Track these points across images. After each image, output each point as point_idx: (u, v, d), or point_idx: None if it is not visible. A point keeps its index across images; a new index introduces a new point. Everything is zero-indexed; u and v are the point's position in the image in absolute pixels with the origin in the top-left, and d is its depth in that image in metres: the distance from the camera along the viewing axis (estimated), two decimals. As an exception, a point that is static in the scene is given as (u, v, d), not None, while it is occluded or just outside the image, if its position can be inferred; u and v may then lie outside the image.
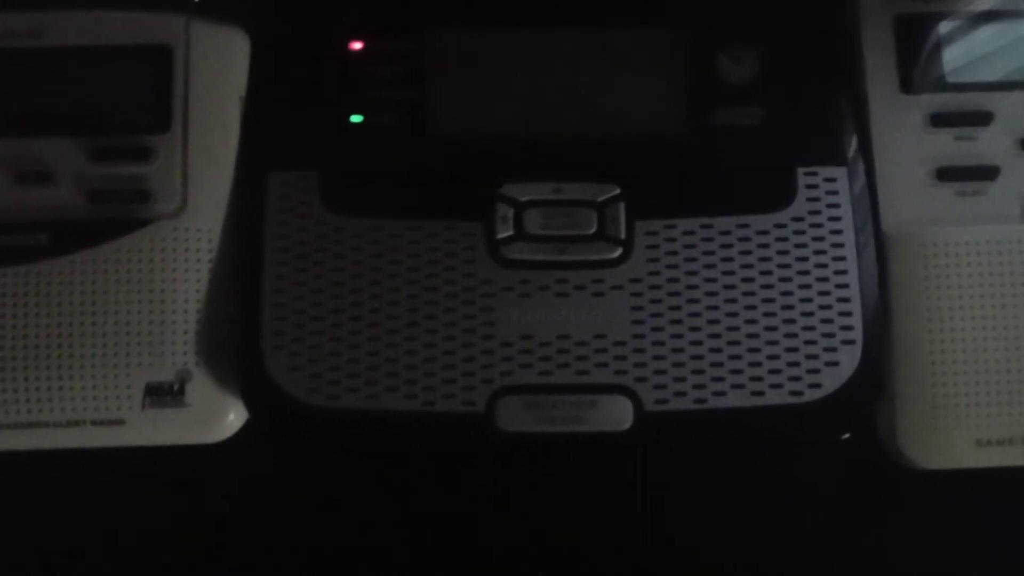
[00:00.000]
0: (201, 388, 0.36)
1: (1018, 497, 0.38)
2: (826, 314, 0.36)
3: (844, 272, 0.36)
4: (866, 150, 0.38)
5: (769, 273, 0.36)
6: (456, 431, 0.35)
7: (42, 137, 0.37)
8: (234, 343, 0.36)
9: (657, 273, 0.36)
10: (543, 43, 0.38)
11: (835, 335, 0.35)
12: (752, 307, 0.36)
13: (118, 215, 0.36)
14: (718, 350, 0.35)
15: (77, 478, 0.38)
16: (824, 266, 0.36)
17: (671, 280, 0.36)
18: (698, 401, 0.35)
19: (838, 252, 0.36)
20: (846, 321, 0.35)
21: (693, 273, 0.36)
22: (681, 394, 0.35)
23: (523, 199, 0.37)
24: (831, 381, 0.35)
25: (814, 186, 0.37)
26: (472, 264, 0.36)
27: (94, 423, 0.35)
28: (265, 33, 0.39)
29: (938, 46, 0.38)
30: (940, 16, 0.38)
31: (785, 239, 0.36)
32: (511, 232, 0.36)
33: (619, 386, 0.35)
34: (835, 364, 0.35)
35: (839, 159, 0.37)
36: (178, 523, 0.38)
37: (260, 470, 0.39)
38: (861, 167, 0.37)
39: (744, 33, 0.38)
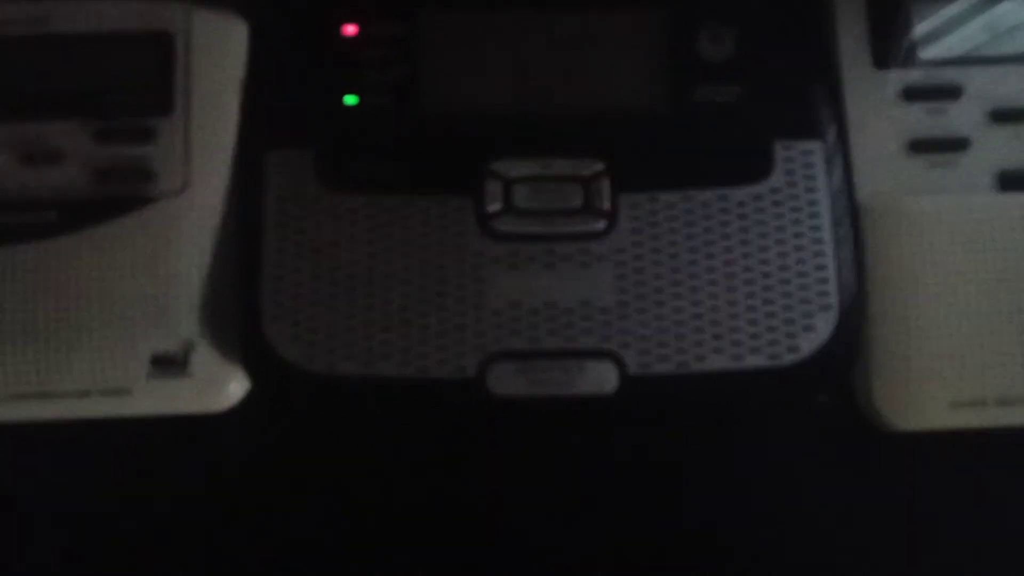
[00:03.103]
0: (205, 358, 0.37)
1: (992, 458, 0.39)
2: (803, 281, 0.37)
3: (820, 241, 0.37)
4: (840, 124, 0.39)
5: (748, 242, 0.37)
6: (449, 395, 0.36)
7: (50, 120, 0.38)
8: (236, 314, 0.37)
9: (641, 244, 0.37)
10: (530, 24, 0.40)
11: (812, 301, 0.37)
12: (732, 275, 0.37)
13: (123, 194, 0.38)
14: (699, 316, 0.36)
15: (84, 448, 0.39)
16: (801, 235, 0.37)
17: (654, 250, 0.37)
18: (680, 365, 0.36)
19: (814, 222, 0.37)
20: (822, 287, 0.37)
21: (675, 243, 0.37)
22: (664, 358, 0.36)
23: (512, 175, 0.38)
24: (808, 345, 0.36)
25: (791, 159, 0.38)
26: (463, 237, 0.37)
27: (102, 393, 0.37)
28: (263, 19, 0.40)
29: (909, 22, 0.40)
30: (911, -7, 0.40)
31: (763, 210, 0.38)
32: (500, 206, 0.38)
33: (604, 351, 0.36)
34: (812, 329, 0.36)
35: (814, 133, 0.38)
36: (181, 491, 0.40)
37: (262, 439, 0.40)
38: (836, 140, 0.39)
39: (722, 12, 0.39)
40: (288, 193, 0.38)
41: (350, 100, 0.39)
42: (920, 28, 0.40)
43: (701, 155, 0.38)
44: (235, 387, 0.38)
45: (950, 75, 0.39)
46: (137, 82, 0.39)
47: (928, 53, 0.40)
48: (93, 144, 0.38)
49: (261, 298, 0.37)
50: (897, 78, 0.39)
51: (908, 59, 0.39)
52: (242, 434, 0.39)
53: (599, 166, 0.38)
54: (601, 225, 0.37)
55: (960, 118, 0.39)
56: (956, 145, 0.39)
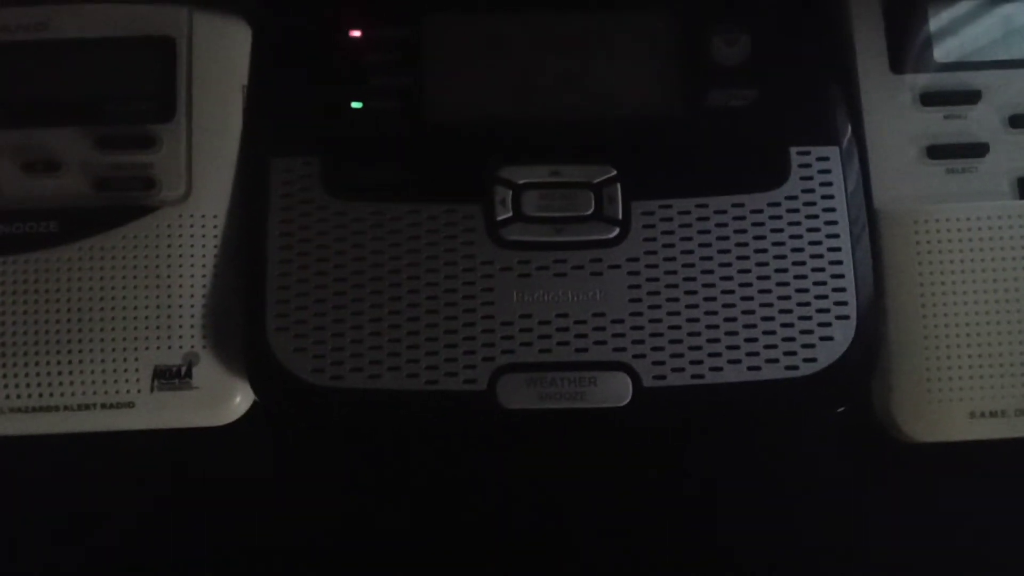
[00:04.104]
0: (208, 371, 0.36)
1: (1011, 469, 0.38)
2: (820, 290, 0.36)
3: (837, 249, 0.37)
4: (857, 129, 0.38)
5: (764, 251, 0.36)
6: (458, 409, 0.35)
7: (49, 127, 0.38)
8: (240, 326, 0.37)
9: (654, 252, 0.36)
10: (539, 28, 0.39)
11: (829, 310, 0.36)
12: (747, 284, 0.36)
13: (124, 202, 0.37)
14: (715, 326, 0.36)
15: (87, 462, 0.38)
16: (818, 243, 0.37)
17: (668, 259, 0.36)
18: (695, 377, 0.35)
19: (831, 229, 0.37)
20: (840, 297, 0.36)
21: (689, 252, 0.36)
22: (679, 370, 0.35)
23: (521, 181, 0.37)
24: (826, 356, 0.36)
25: (807, 165, 0.37)
26: (472, 246, 0.37)
27: (104, 406, 0.36)
28: (266, 23, 0.40)
29: (927, 26, 0.39)
30: (928, -3, 0.39)
31: (779, 217, 0.37)
32: (509, 214, 0.37)
33: (618, 363, 0.35)
34: (830, 339, 0.36)
35: (831, 138, 0.38)
36: (184, 505, 0.39)
37: (267, 453, 0.39)
38: (853, 146, 0.38)
39: (736, 15, 0.39)
40: (293, 200, 0.37)
41: (356, 106, 0.38)
42: (938, 32, 0.39)
43: (715, 161, 0.38)
44: (239, 400, 0.37)
45: (968, 79, 0.39)
46: (138, 88, 0.38)
47: (946, 57, 0.39)
48: (94, 151, 0.38)
49: (265, 308, 0.36)
50: (914, 82, 0.39)
51: (926, 63, 0.39)
52: (246, 448, 0.38)
53: (610, 172, 0.37)
54: (612, 233, 0.37)
55: (978, 123, 0.38)
56: (975, 150, 0.38)
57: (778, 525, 0.39)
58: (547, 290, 0.36)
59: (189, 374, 0.36)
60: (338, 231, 0.37)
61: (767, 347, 0.36)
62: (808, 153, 0.38)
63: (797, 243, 0.37)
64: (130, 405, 0.36)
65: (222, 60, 0.39)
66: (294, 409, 0.37)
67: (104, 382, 0.36)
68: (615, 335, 0.36)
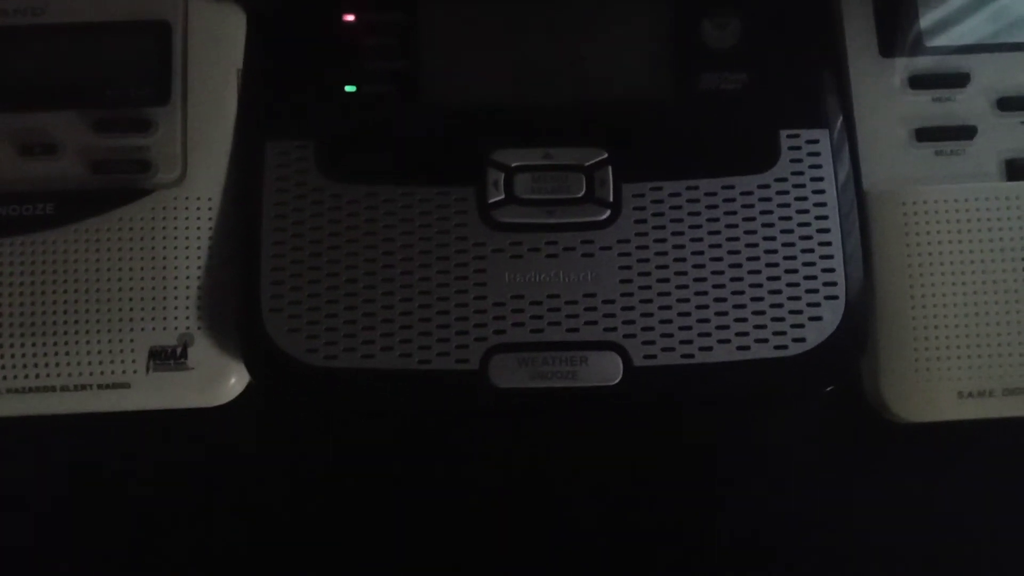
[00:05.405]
0: (203, 352, 0.37)
1: (999, 448, 0.38)
2: (809, 271, 0.36)
3: (827, 230, 0.37)
4: (847, 112, 0.39)
5: (753, 232, 0.37)
6: (451, 388, 0.36)
7: (46, 111, 0.38)
8: (235, 307, 0.37)
9: (644, 234, 0.37)
10: (531, 12, 0.39)
11: (818, 291, 0.36)
12: (737, 265, 0.36)
13: (120, 185, 0.37)
14: (704, 306, 0.36)
15: (83, 442, 0.39)
16: (807, 225, 0.37)
17: (658, 240, 0.37)
18: (685, 356, 0.36)
19: (820, 211, 0.37)
20: (829, 277, 0.36)
21: (679, 233, 0.37)
22: (669, 349, 0.36)
23: (513, 164, 0.38)
24: (815, 335, 0.36)
25: (796, 148, 0.38)
26: (464, 227, 0.37)
27: (100, 387, 0.36)
28: (260, 7, 0.40)
29: (915, 10, 0.39)
30: (917, -20, 0.39)
31: (769, 199, 0.37)
32: (502, 196, 0.37)
33: (608, 342, 0.36)
34: (818, 319, 0.36)
35: (821, 121, 0.38)
36: (180, 486, 0.39)
37: (262, 433, 0.40)
38: (842, 129, 0.38)
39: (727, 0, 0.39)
40: (287, 183, 0.37)
41: (350, 89, 0.39)
42: (927, 16, 0.39)
43: (705, 144, 0.38)
44: (234, 381, 0.37)
45: (957, 63, 0.39)
46: (134, 72, 0.38)
47: (935, 41, 0.39)
48: (90, 134, 0.38)
49: (260, 290, 0.36)
50: (904, 66, 0.39)
51: (915, 47, 0.39)
52: (241, 429, 0.39)
53: (601, 155, 0.38)
54: (604, 215, 0.37)
55: (967, 106, 0.39)
56: (963, 133, 0.38)
57: (767, 504, 0.39)
58: (539, 271, 0.36)
59: (184, 355, 0.37)
60: (332, 213, 0.37)
61: (756, 327, 0.36)
62: (798, 136, 0.38)
63: (787, 224, 0.37)
64: (126, 386, 0.36)
65: (217, 44, 0.39)
66: (289, 389, 0.37)
67: (100, 363, 0.36)
68: (606, 315, 0.36)
